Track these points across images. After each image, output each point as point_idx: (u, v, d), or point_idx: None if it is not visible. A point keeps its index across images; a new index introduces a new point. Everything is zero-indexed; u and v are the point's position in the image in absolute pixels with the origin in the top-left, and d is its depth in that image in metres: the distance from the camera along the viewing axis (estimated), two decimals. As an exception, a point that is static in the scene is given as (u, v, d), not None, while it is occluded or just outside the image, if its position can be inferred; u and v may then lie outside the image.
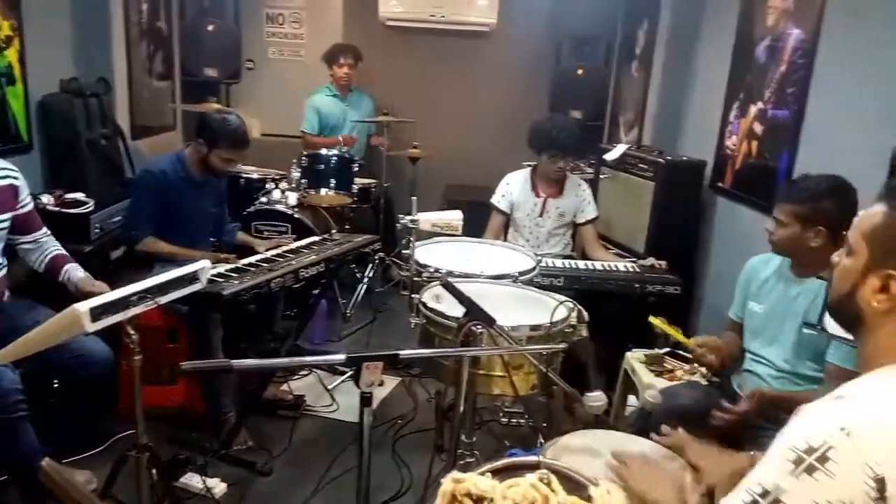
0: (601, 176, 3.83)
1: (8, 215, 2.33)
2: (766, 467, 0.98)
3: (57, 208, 2.95)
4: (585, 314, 2.16)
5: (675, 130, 3.96)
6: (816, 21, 2.55)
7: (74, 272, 2.40)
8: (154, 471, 2.01)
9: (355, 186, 4.23)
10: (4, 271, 2.35)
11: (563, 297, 2.00)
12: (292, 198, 4.02)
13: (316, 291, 3.35)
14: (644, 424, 1.99)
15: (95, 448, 2.57)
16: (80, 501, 1.41)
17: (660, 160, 3.36)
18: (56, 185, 3.18)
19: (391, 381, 3.40)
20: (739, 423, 1.92)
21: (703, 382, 2.33)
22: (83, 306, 1.70)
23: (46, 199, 2.96)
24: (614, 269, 3.11)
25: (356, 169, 4.26)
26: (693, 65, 3.82)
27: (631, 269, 3.11)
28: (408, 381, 3.40)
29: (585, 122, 4.80)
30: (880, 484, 0.90)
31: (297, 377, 3.34)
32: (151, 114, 4.38)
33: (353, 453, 2.47)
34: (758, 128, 3.01)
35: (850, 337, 1.16)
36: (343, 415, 3.04)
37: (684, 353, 2.45)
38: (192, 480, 2.44)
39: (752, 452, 1.44)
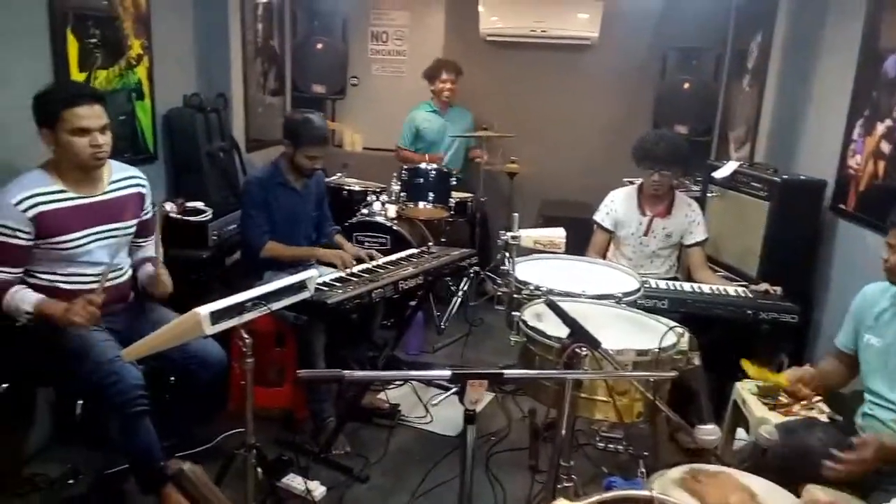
0: (709, 194, 3.68)
1: (134, 221, 2.48)
2: None
3: (179, 216, 3.12)
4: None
5: (790, 148, 3.74)
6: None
7: (142, 271, 2.50)
8: (259, 469, 2.07)
9: (452, 200, 4.27)
10: (130, 273, 2.51)
11: (672, 322, 1.92)
12: (391, 210, 4.11)
13: (413, 303, 3.40)
14: (759, 462, 1.87)
15: (205, 444, 2.70)
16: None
17: (775, 179, 3.18)
18: (178, 194, 3.38)
19: (485, 397, 3.37)
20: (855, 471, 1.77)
21: (823, 419, 2.17)
22: (204, 310, 1.80)
23: (170, 206, 3.14)
24: (724, 293, 2.96)
25: (454, 183, 4.30)
26: (811, 79, 3.60)
27: (742, 294, 2.95)
28: (500, 397, 3.37)
29: (691, 138, 4.63)
30: None
31: (392, 386, 3.40)
32: (264, 127, 4.60)
33: (448, 466, 2.51)
34: (885, 147, 2.79)
35: None
36: (437, 427, 3.06)
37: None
38: (294, 482, 2.52)
39: None
